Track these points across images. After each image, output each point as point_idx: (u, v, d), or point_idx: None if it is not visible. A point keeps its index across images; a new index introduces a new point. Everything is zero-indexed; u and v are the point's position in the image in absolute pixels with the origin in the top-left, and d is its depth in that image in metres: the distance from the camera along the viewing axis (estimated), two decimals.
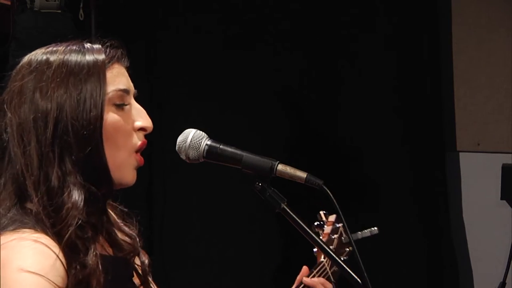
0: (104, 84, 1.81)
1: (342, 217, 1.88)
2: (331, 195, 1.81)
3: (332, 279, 2.28)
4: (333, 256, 1.87)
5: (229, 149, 1.87)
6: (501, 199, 4.68)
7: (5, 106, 1.82)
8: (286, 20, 4.67)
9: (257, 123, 4.59)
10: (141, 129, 1.86)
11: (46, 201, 1.74)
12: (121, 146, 1.82)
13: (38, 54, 1.84)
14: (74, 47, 1.84)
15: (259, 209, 4.26)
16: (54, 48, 1.85)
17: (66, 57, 1.82)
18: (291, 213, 1.84)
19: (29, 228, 1.72)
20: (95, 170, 1.79)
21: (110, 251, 1.87)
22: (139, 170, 1.87)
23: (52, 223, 1.73)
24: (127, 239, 1.93)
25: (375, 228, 2.41)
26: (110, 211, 1.95)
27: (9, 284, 1.64)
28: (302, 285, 2.27)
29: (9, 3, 4.18)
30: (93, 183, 1.79)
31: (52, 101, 1.78)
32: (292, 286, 2.36)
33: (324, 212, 2.45)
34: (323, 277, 2.27)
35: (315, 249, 2.35)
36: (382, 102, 4.73)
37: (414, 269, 4.70)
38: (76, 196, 1.75)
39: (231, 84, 4.59)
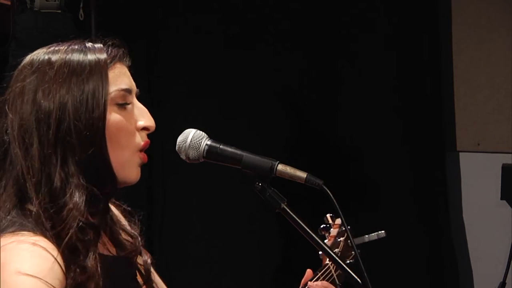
0: (107, 84, 1.80)
1: (342, 217, 1.88)
2: (331, 195, 1.81)
3: (337, 282, 2.26)
4: (332, 256, 1.87)
5: (229, 149, 1.87)
6: (501, 199, 4.68)
7: (6, 107, 1.81)
8: (286, 20, 4.67)
9: (257, 123, 4.59)
10: (144, 128, 1.86)
11: (48, 203, 1.73)
12: (125, 145, 1.82)
13: (39, 54, 1.83)
14: (76, 47, 1.83)
15: (259, 209, 4.26)
16: (56, 48, 1.84)
17: (68, 57, 1.81)
18: (291, 213, 1.84)
19: (28, 230, 1.72)
20: (98, 170, 1.78)
21: (113, 250, 1.87)
22: None
23: (52, 224, 1.72)
24: (129, 238, 1.93)
25: (383, 231, 2.39)
26: (113, 210, 1.95)
27: (7, 287, 1.64)
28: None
29: (9, 3, 4.17)
30: (96, 183, 1.78)
31: (55, 101, 1.77)
32: None
33: (331, 214, 2.43)
34: (328, 279, 2.25)
35: (320, 252, 2.33)
36: (382, 102, 4.73)
37: (414, 269, 4.70)
38: (78, 197, 1.74)
39: (231, 84, 4.58)
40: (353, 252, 2.36)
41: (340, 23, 4.69)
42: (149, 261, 1.96)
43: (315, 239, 1.84)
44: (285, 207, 1.84)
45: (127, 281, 1.89)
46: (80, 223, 1.73)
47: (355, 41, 4.70)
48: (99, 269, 1.73)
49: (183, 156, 1.88)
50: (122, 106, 1.83)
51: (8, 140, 1.79)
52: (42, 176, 1.75)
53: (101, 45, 1.85)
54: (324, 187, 1.81)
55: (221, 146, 1.87)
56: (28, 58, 1.84)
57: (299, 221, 1.83)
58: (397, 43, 4.74)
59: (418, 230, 4.71)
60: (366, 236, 2.38)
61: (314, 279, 2.25)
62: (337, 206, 1.82)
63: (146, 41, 4.55)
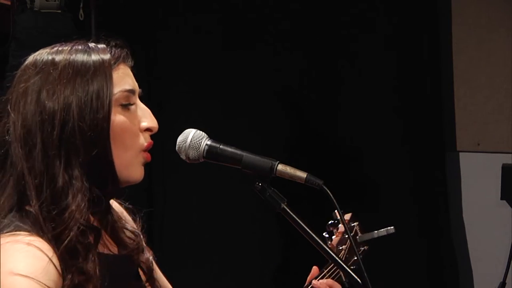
0: (111, 85, 1.80)
1: (342, 216, 1.88)
2: (331, 195, 1.81)
3: (344, 279, 2.25)
4: (332, 255, 1.87)
5: (229, 149, 1.87)
6: (501, 199, 4.68)
7: (8, 107, 1.79)
8: (286, 20, 4.67)
9: (257, 123, 4.59)
10: (147, 129, 1.86)
11: (49, 204, 1.73)
12: (129, 146, 1.82)
13: (43, 55, 1.82)
14: (80, 47, 1.83)
15: (259, 209, 4.26)
16: (60, 48, 1.83)
17: (72, 57, 1.80)
18: (291, 213, 1.84)
19: (24, 231, 1.72)
20: (101, 171, 1.78)
21: (114, 249, 1.87)
22: None
23: (53, 226, 1.72)
24: (131, 236, 1.93)
25: (392, 227, 2.37)
26: (115, 207, 1.95)
27: (1, 287, 1.64)
28: (311, 287, 2.24)
29: (9, 3, 4.17)
30: (98, 183, 1.78)
31: (59, 102, 1.76)
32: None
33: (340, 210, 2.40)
34: (334, 277, 2.24)
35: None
36: (382, 102, 4.72)
37: (414, 269, 4.70)
38: (80, 199, 1.74)
39: (231, 84, 4.58)
40: (361, 249, 2.34)
41: (340, 23, 4.69)
42: (150, 258, 1.97)
43: (315, 239, 1.85)
44: (285, 207, 1.84)
45: (129, 280, 1.89)
46: (82, 227, 1.73)
47: (355, 41, 4.70)
48: (97, 271, 1.73)
49: (183, 156, 1.89)
50: (126, 106, 1.83)
51: (9, 140, 1.78)
52: (44, 177, 1.74)
53: (104, 46, 1.85)
54: (324, 187, 1.81)
55: (221, 146, 1.87)
56: (31, 58, 1.83)
57: (299, 221, 1.84)
58: (397, 43, 4.74)
59: (418, 230, 4.71)
60: (375, 232, 2.36)
61: (320, 276, 2.24)
62: (337, 206, 1.83)
63: (146, 41, 4.55)
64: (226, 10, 4.63)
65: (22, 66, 1.83)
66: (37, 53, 1.84)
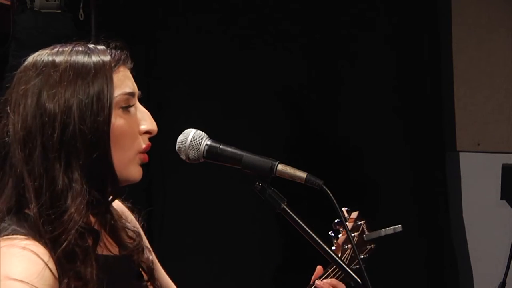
0: (112, 87, 1.79)
1: (343, 217, 1.88)
2: (331, 195, 1.81)
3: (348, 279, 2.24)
4: (332, 255, 1.87)
5: (229, 149, 1.87)
6: (501, 199, 4.68)
7: (7, 108, 1.78)
8: (286, 20, 4.67)
9: (257, 123, 4.59)
10: (147, 132, 1.86)
11: (49, 207, 1.72)
12: (127, 148, 1.82)
13: (43, 56, 1.81)
14: (80, 49, 1.82)
15: (259, 209, 4.26)
16: (60, 49, 1.82)
17: (72, 59, 1.79)
18: (291, 213, 1.84)
19: (21, 234, 1.71)
20: (101, 174, 1.78)
21: (114, 249, 1.87)
22: None
23: (51, 229, 1.71)
24: (131, 235, 1.93)
25: (399, 225, 2.37)
26: (116, 206, 1.95)
27: None
28: (314, 287, 2.24)
29: (9, 3, 4.17)
30: (98, 185, 1.78)
31: (60, 104, 1.75)
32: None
33: (347, 209, 2.40)
34: (338, 276, 2.23)
35: (333, 247, 2.31)
36: (382, 102, 4.72)
37: (414, 269, 4.70)
38: (80, 202, 1.73)
39: (231, 84, 4.58)
40: (368, 247, 2.33)
41: (340, 23, 4.69)
42: (151, 258, 1.96)
43: (315, 239, 1.85)
44: (285, 207, 1.84)
45: (130, 280, 1.89)
46: (80, 229, 1.73)
47: (355, 41, 4.70)
48: (94, 276, 1.72)
49: (183, 156, 1.89)
50: (126, 109, 1.83)
51: (9, 142, 1.77)
52: (44, 180, 1.73)
53: (104, 47, 1.85)
54: (324, 187, 1.81)
55: (221, 146, 1.87)
56: (30, 59, 1.82)
57: (299, 221, 1.84)
58: (397, 43, 4.74)
59: (418, 230, 4.71)
60: (383, 230, 2.35)
61: (324, 276, 2.23)
62: (337, 206, 1.83)
63: (145, 41, 4.55)
64: (226, 10, 4.63)
65: (22, 67, 1.81)
66: (36, 54, 1.83)
